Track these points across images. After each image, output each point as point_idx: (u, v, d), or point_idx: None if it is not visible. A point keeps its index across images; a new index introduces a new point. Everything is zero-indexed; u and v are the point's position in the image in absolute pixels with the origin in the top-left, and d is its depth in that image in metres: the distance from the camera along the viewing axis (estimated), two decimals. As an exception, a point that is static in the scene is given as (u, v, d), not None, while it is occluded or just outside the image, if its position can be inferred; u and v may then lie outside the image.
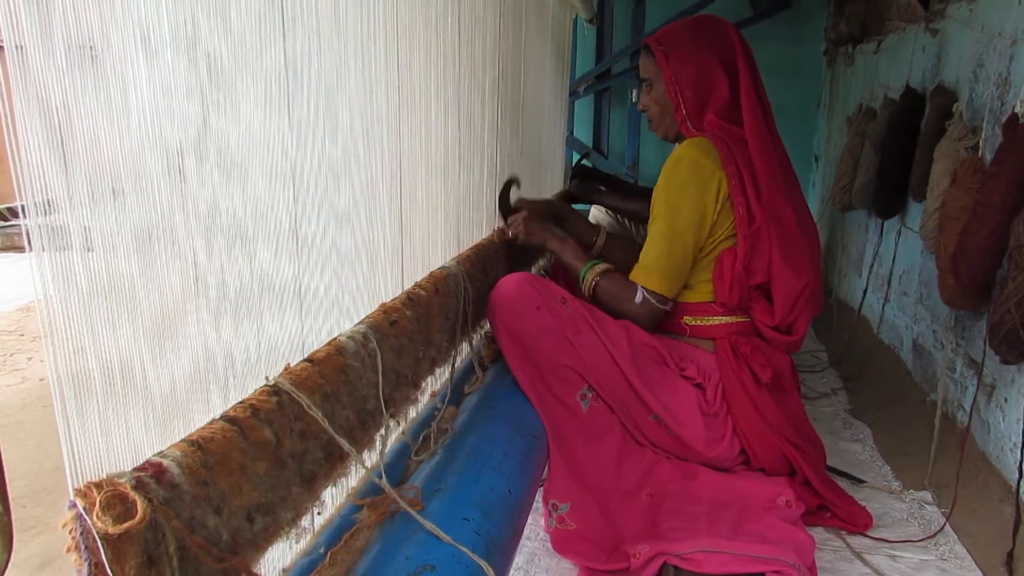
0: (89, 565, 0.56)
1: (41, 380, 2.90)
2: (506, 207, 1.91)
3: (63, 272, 0.58)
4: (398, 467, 1.19)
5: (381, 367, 1.02)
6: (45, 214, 0.56)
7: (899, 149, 2.23)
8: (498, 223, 1.90)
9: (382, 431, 1.05)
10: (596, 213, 2.65)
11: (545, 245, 1.81)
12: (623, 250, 1.90)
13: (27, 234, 0.55)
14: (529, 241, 1.81)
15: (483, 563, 0.95)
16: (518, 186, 2.00)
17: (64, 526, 0.56)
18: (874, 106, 2.66)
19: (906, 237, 2.37)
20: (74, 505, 0.56)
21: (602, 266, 1.69)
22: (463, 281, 1.45)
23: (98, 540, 0.56)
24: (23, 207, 0.55)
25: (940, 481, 1.76)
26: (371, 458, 1.03)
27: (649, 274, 1.63)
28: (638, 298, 1.63)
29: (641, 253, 1.66)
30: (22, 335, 3.47)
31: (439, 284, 1.34)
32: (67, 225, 0.58)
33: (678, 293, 1.67)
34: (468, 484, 1.13)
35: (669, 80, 1.66)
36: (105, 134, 0.61)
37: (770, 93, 1.72)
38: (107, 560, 0.56)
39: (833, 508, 1.64)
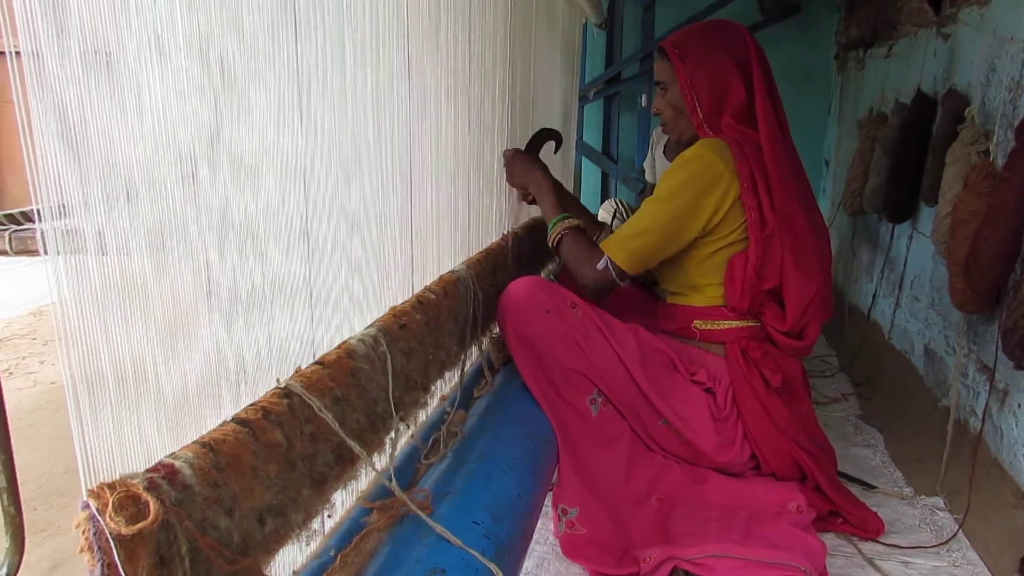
0: (102, 566, 0.57)
1: (53, 384, 2.92)
2: (531, 150, 1.89)
3: (77, 274, 0.59)
4: (408, 470, 1.19)
5: (391, 370, 1.02)
6: (60, 217, 0.57)
7: (910, 154, 2.22)
8: (508, 227, 1.89)
9: (392, 434, 1.05)
10: (603, 214, 2.65)
11: (526, 185, 1.81)
12: None
13: (42, 237, 0.56)
14: (509, 180, 1.81)
15: (493, 567, 0.95)
16: (557, 143, 1.97)
17: (77, 526, 0.57)
18: (885, 111, 2.65)
19: (918, 242, 2.35)
20: (87, 506, 0.56)
21: (574, 221, 1.70)
22: (473, 285, 1.45)
23: (111, 541, 0.56)
24: (38, 211, 0.55)
25: (952, 487, 1.75)
26: (381, 461, 1.03)
27: (620, 248, 1.62)
28: (600, 264, 1.62)
29: (622, 225, 1.66)
30: (34, 339, 3.49)
31: (448, 288, 1.34)
32: (81, 228, 0.59)
33: (637, 274, 1.67)
34: (478, 488, 1.13)
35: (684, 83, 1.66)
36: (119, 138, 0.62)
37: (780, 98, 1.71)
38: (120, 561, 0.56)
39: (844, 514, 1.63)
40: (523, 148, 1.90)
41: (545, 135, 1.90)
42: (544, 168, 1.84)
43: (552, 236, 1.71)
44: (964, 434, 1.81)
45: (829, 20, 4.09)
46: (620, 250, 1.62)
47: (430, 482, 1.14)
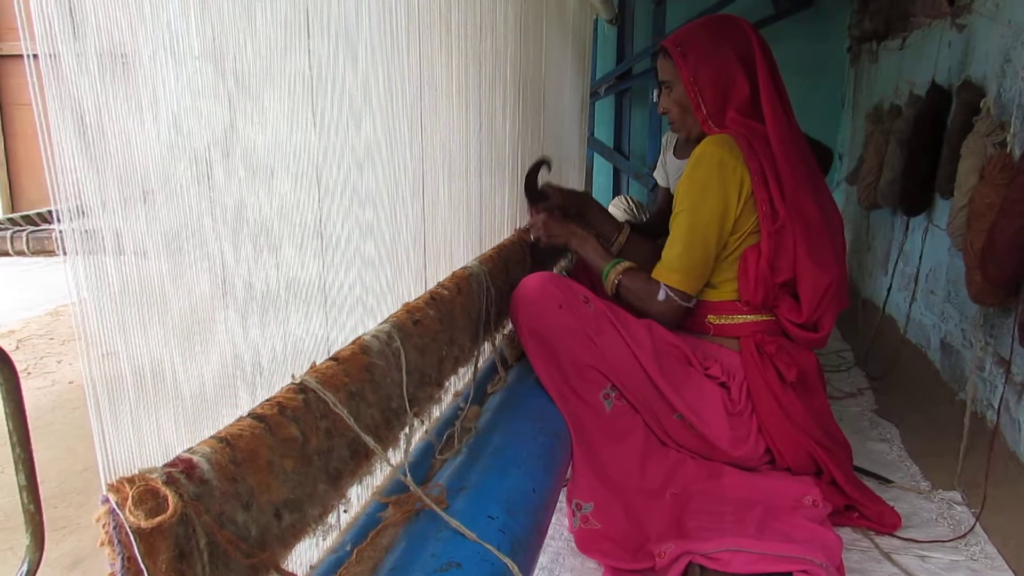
0: (122, 559, 0.57)
1: (71, 383, 2.95)
2: (532, 189, 1.89)
3: (96, 275, 0.59)
4: (422, 466, 1.20)
5: (405, 366, 1.03)
6: (78, 218, 0.57)
7: (925, 146, 2.20)
8: (520, 222, 1.90)
9: (406, 430, 1.06)
10: (615, 210, 2.65)
11: (568, 244, 1.81)
12: (645, 249, 1.89)
13: (60, 238, 0.57)
14: (551, 243, 1.82)
15: (508, 561, 0.95)
16: (548, 168, 1.98)
17: (97, 520, 0.58)
18: (899, 103, 2.63)
19: (933, 235, 2.34)
20: (107, 500, 0.57)
21: (624, 264, 1.69)
22: (485, 281, 1.46)
23: (131, 534, 0.57)
24: (57, 212, 0.56)
25: (970, 481, 1.74)
26: (396, 456, 1.04)
27: (672, 271, 1.62)
28: (661, 296, 1.62)
29: (663, 250, 1.66)
30: (52, 339, 3.53)
31: (462, 284, 1.35)
32: (99, 229, 0.60)
33: (701, 290, 1.66)
34: (492, 483, 1.13)
35: (687, 81, 1.66)
36: (136, 139, 0.62)
37: (793, 91, 1.70)
38: (139, 554, 0.57)
39: (861, 508, 1.63)
40: (524, 183, 1.90)
41: (535, 169, 1.91)
42: (573, 224, 1.85)
43: (609, 285, 1.70)
44: (982, 428, 1.80)
45: (842, 13, 4.07)
46: (672, 273, 1.62)
47: (445, 477, 1.15)
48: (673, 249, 1.63)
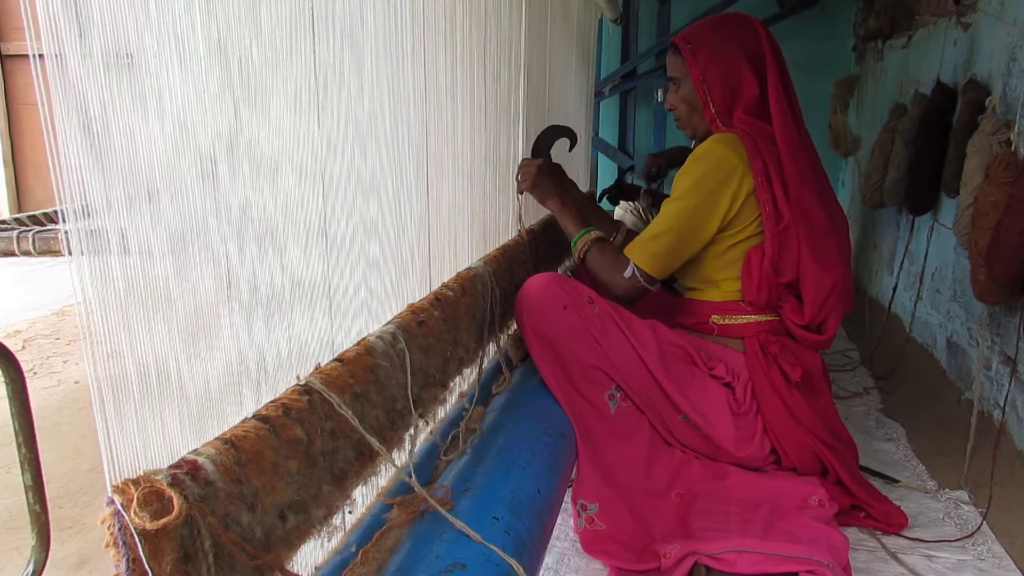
0: (127, 560, 0.57)
1: (76, 383, 2.96)
2: (542, 150, 1.85)
3: (101, 275, 0.59)
4: (427, 467, 1.20)
5: (410, 367, 1.03)
6: (84, 218, 0.57)
7: (931, 145, 2.20)
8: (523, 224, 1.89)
9: (411, 431, 1.06)
10: (620, 212, 2.65)
11: (545, 201, 1.79)
12: None
13: (66, 238, 0.57)
14: (531, 192, 1.79)
15: (513, 562, 0.95)
16: (572, 140, 1.94)
17: (103, 522, 0.58)
18: (904, 102, 2.63)
19: (939, 234, 2.33)
20: (112, 501, 0.57)
21: (596, 233, 1.69)
22: (490, 281, 1.46)
23: (136, 536, 0.57)
24: (63, 212, 0.56)
25: (977, 480, 1.74)
26: (400, 457, 1.03)
27: (644, 251, 1.62)
28: (627, 272, 1.62)
29: (645, 229, 1.66)
30: (58, 339, 3.54)
31: (466, 284, 1.35)
32: (105, 228, 0.60)
33: (664, 277, 1.66)
34: (497, 483, 1.13)
35: (696, 78, 1.65)
36: (141, 139, 0.62)
37: (798, 90, 1.70)
38: (145, 555, 0.57)
39: (867, 508, 1.62)
40: (534, 142, 1.88)
41: (555, 132, 1.86)
42: (564, 183, 1.82)
43: (577, 250, 1.70)
44: (988, 427, 1.79)
45: (847, 11, 4.06)
46: (644, 254, 1.62)
47: (450, 478, 1.15)
48: (653, 231, 1.63)
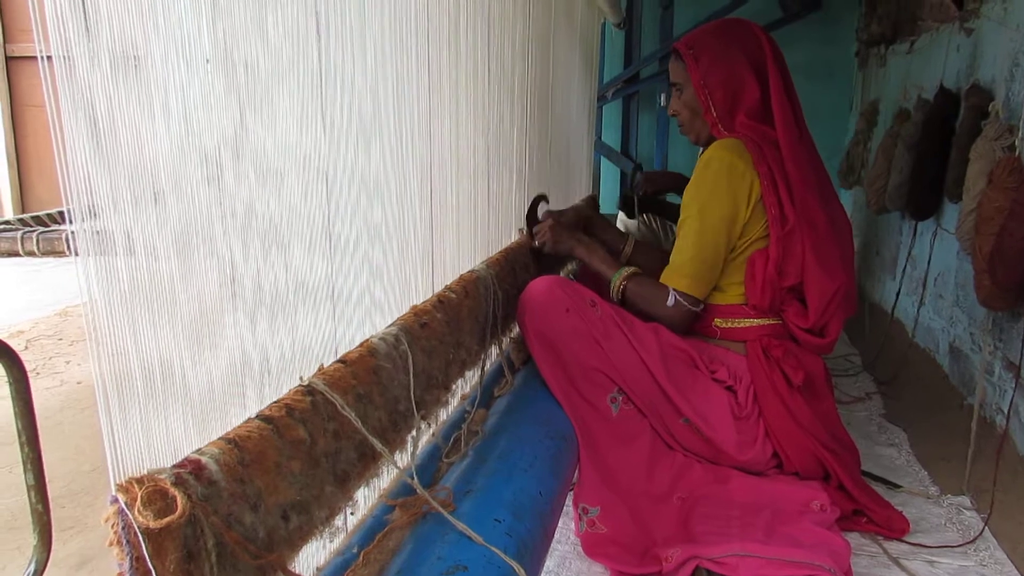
0: (131, 559, 0.58)
1: (79, 383, 2.96)
2: (534, 222, 1.90)
3: (107, 275, 0.60)
4: (429, 469, 1.20)
5: (412, 369, 1.03)
6: (89, 219, 0.58)
7: (933, 150, 2.20)
8: (526, 235, 1.90)
9: (413, 432, 1.06)
10: (625, 220, 2.65)
11: (573, 252, 1.81)
12: (651, 257, 1.89)
13: (72, 239, 0.57)
14: (557, 250, 1.81)
15: (515, 564, 0.95)
16: (546, 202, 2.00)
17: (106, 521, 0.58)
18: (907, 107, 2.63)
19: (941, 239, 2.33)
20: (116, 500, 0.57)
21: (630, 270, 1.69)
22: (492, 284, 1.46)
23: (139, 534, 0.57)
24: (69, 212, 0.56)
25: (979, 486, 1.73)
26: (403, 459, 1.04)
27: (680, 276, 1.62)
28: (670, 301, 1.62)
29: (672, 255, 1.66)
30: (60, 339, 3.54)
31: (469, 287, 1.35)
32: (110, 229, 0.60)
33: (709, 294, 1.66)
34: (499, 486, 1.13)
35: (698, 83, 1.66)
36: (147, 140, 0.63)
37: (801, 95, 1.71)
38: (148, 554, 0.57)
39: (869, 513, 1.62)
40: (526, 219, 1.91)
41: (536, 203, 1.92)
42: (580, 233, 1.83)
43: (614, 291, 1.69)
44: (990, 432, 1.79)
45: (850, 17, 4.06)
46: (681, 278, 1.62)
47: (451, 480, 1.15)
48: (682, 254, 1.63)
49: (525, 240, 1.85)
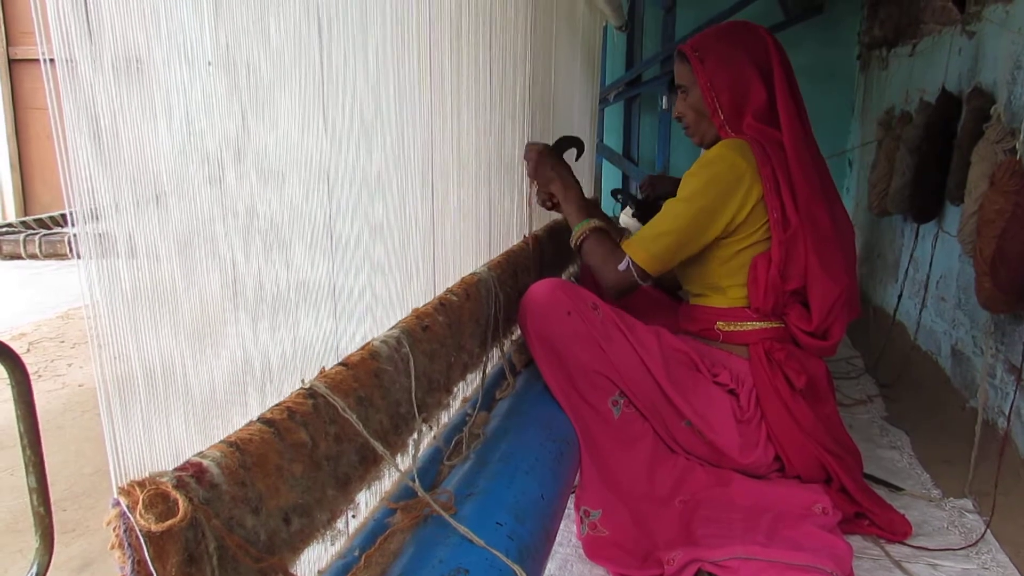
0: (132, 562, 0.58)
1: (81, 386, 2.96)
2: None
3: (109, 278, 0.60)
4: (430, 471, 1.20)
5: (414, 371, 1.03)
6: (92, 221, 0.58)
7: (935, 153, 2.20)
8: (529, 229, 1.90)
9: (415, 435, 1.06)
10: (624, 218, 2.66)
11: (549, 186, 1.79)
12: (606, 247, 1.87)
13: (75, 241, 0.57)
14: (535, 176, 1.80)
15: (516, 567, 0.95)
16: (579, 150, 1.97)
17: (108, 524, 0.58)
18: (909, 110, 2.63)
19: (943, 241, 2.33)
20: (118, 503, 0.58)
21: (596, 223, 1.69)
22: (494, 287, 1.46)
23: (141, 538, 0.57)
24: (71, 215, 0.57)
25: (981, 489, 1.73)
26: (404, 462, 1.04)
27: (642, 248, 1.62)
28: (622, 266, 1.62)
29: (645, 225, 1.66)
30: (62, 342, 3.54)
31: (470, 290, 1.35)
32: (112, 232, 0.60)
33: (659, 275, 1.66)
34: (500, 489, 1.13)
35: (704, 86, 1.66)
36: (149, 142, 0.63)
37: (804, 98, 1.70)
38: (149, 557, 0.57)
39: (871, 516, 1.62)
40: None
41: (566, 142, 1.90)
42: (568, 170, 1.83)
43: (575, 237, 1.70)
44: (993, 435, 1.78)
45: (852, 19, 4.06)
46: (641, 250, 1.62)
47: (453, 483, 1.15)
48: (654, 228, 1.63)
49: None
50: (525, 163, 1.82)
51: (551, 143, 1.89)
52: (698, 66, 1.66)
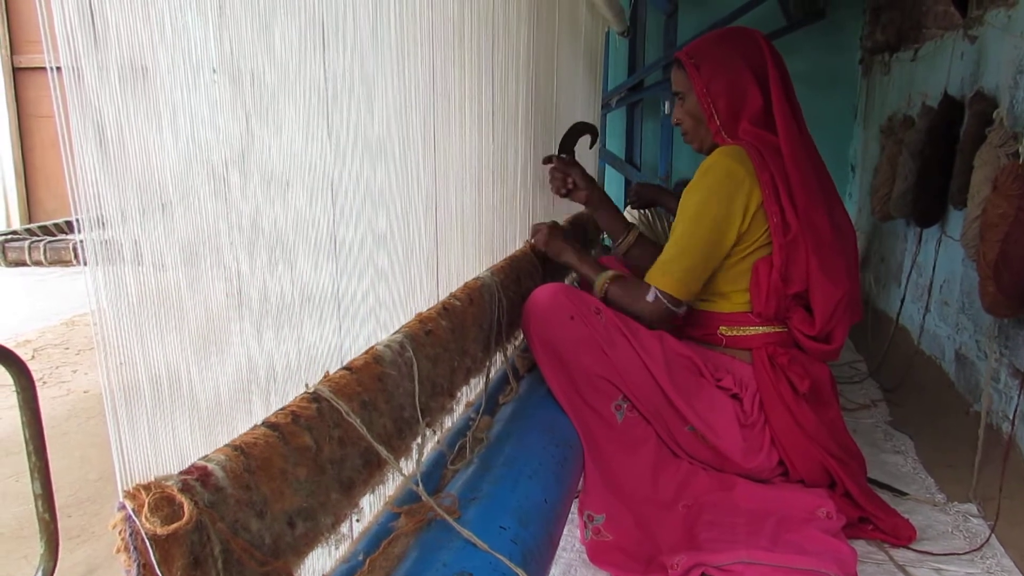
0: (138, 566, 0.58)
1: (86, 392, 2.97)
2: (567, 148, 1.90)
3: (115, 285, 0.60)
4: (434, 476, 1.20)
5: (417, 376, 1.03)
6: (98, 229, 0.58)
7: (938, 157, 2.20)
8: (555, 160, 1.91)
9: (418, 439, 1.06)
10: (628, 217, 2.66)
11: (560, 256, 1.81)
12: (652, 250, 1.89)
13: (81, 248, 0.57)
14: (546, 248, 1.82)
15: (520, 572, 0.95)
16: (593, 138, 1.97)
17: (114, 527, 0.58)
18: (912, 114, 2.63)
19: (946, 246, 2.33)
20: (123, 507, 0.58)
21: (612, 273, 1.70)
22: (497, 291, 1.46)
23: (147, 541, 0.57)
24: (77, 222, 0.57)
25: (985, 493, 1.73)
26: (408, 466, 1.04)
27: (664, 275, 1.62)
28: (650, 297, 1.62)
29: (661, 254, 1.66)
30: (67, 348, 3.55)
31: (473, 294, 1.35)
32: (118, 239, 0.61)
33: (692, 298, 1.66)
34: (504, 493, 1.14)
35: (701, 92, 1.67)
36: (154, 150, 0.63)
37: (805, 103, 1.71)
38: (155, 561, 0.58)
39: (875, 520, 1.61)
40: (557, 147, 1.92)
41: (579, 129, 1.91)
42: (568, 239, 1.84)
43: (599, 291, 1.69)
44: (997, 440, 1.78)
45: (854, 24, 4.06)
46: (664, 276, 1.62)
47: (457, 487, 1.15)
48: (669, 253, 1.63)
49: (550, 166, 1.86)
50: (532, 234, 1.87)
51: (553, 144, 1.90)
52: (694, 72, 1.67)
